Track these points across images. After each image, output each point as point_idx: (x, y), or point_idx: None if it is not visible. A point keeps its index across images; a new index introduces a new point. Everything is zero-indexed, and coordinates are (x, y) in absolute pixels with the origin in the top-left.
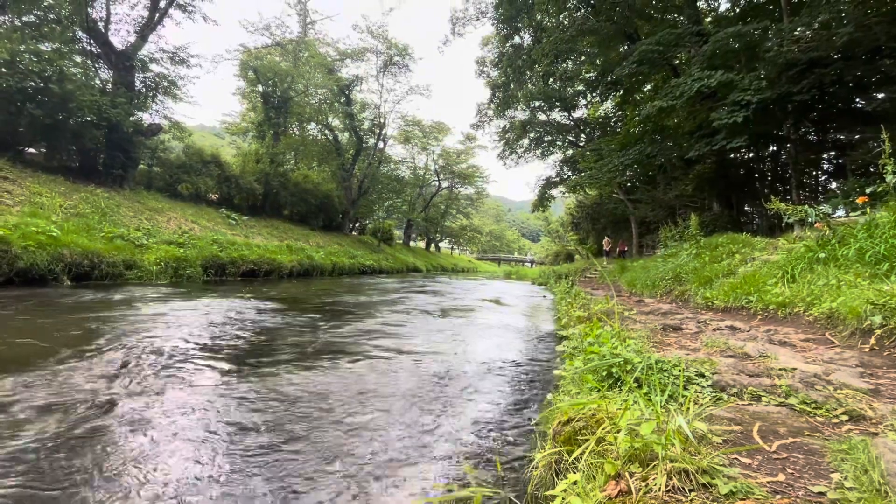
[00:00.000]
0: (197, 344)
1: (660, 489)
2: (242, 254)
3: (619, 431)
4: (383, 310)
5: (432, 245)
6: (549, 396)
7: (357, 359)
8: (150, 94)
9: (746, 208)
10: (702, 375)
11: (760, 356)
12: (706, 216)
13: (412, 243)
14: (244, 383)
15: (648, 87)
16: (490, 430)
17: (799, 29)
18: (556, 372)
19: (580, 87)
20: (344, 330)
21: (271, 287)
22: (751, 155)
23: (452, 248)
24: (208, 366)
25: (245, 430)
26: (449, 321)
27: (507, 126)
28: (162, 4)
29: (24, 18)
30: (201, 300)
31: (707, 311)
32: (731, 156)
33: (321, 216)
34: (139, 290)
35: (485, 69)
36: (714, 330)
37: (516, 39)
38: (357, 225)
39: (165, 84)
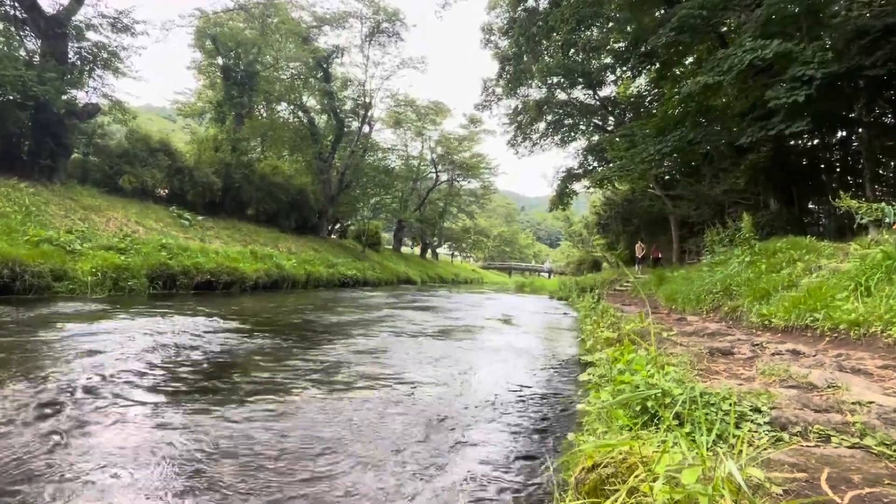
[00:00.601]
0: (125, 378)
1: None
2: (197, 262)
3: (655, 480)
4: (366, 331)
5: (429, 251)
6: (571, 436)
7: (325, 395)
8: (87, 68)
9: (810, 206)
10: (757, 411)
11: (829, 387)
12: (761, 216)
13: (404, 248)
14: (174, 431)
15: (690, 59)
16: (498, 491)
17: None
18: (579, 406)
19: (608, 60)
20: (314, 357)
21: (231, 302)
22: (815, 142)
23: (453, 255)
24: (139, 402)
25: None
26: (447, 345)
27: (520, 106)
28: None
29: None
30: (143, 319)
31: (763, 331)
32: (792, 142)
33: (293, 216)
34: (70, 305)
35: (492, 38)
36: (772, 354)
37: (530, 2)
38: (337, 226)
39: (105, 56)
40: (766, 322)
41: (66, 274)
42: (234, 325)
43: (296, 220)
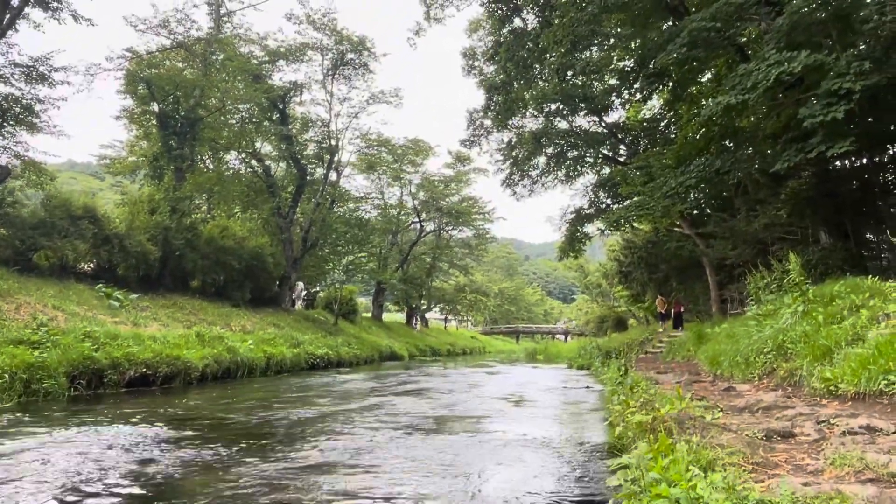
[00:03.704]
0: None
1: None
2: (129, 351)
3: None
4: (341, 427)
5: (415, 318)
6: None
7: None
8: None
9: (868, 236)
10: None
11: None
12: (812, 252)
13: (387, 315)
14: None
15: (708, 76)
16: None
17: None
18: None
19: (612, 81)
20: (268, 471)
21: (172, 401)
22: (864, 161)
23: (447, 320)
24: None
25: None
26: (446, 443)
27: (514, 139)
28: (14, 2)
29: None
30: (51, 437)
31: (829, 399)
32: (837, 164)
33: (248, 285)
34: None
35: (476, 64)
36: (843, 434)
37: (516, 22)
38: (303, 293)
39: (18, 110)
40: (831, 388)
41: None
42: (169, 433)
43: (251, 290)
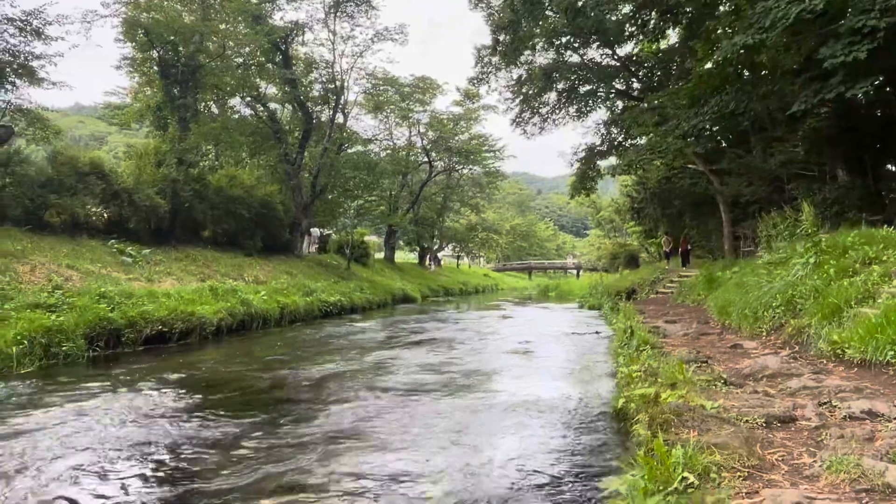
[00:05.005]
0: None
1: None
2: (145, 310)
3: None
4: (348, 392)
5: (428, 258)
6: None
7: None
8: None
9: (889, 167)
10: None
11: None
12: (828, 191)
13: (399, 254)
14: None
15: (724, 7)
16: None
17: None
18: None
19: (626, 9)
20: (277, 444)
21: (189, 358)
22: (888, 91)
23: (459, 259)
24: None
25: None
26: (452, 406)
27: (524, 76)
28: None
29: None
30: (70, 406)
31: (835, 363)
32: (859, 97)
33: (259, 234)
34: None
35: None
36: (843, 419)
37: None
38: (316, 236)
39: (16, 66)
40: (838, 352)
41: None
42: (183, 399)
43: (262, 238)
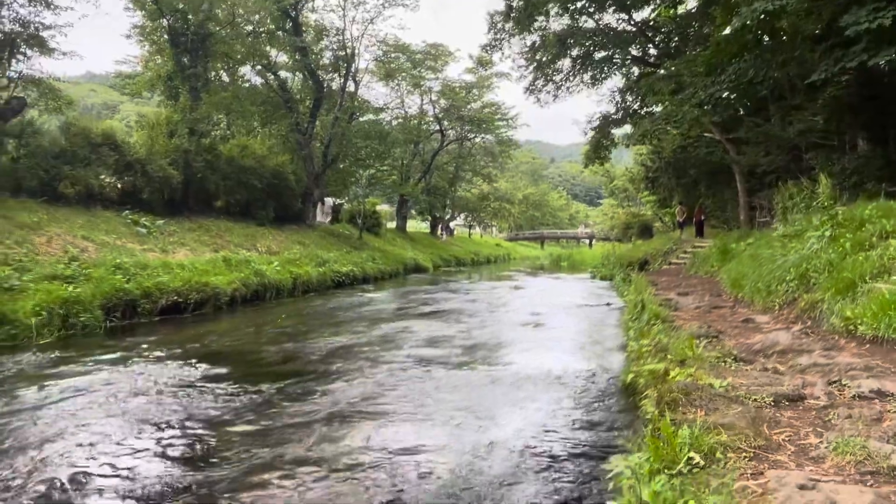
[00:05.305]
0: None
1: None
2: (160, 281)
3: None
4: (358, 364)
5: (440, 228)
6: None
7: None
8: (5, 53)
9: None
10: None
11: None
12: (847, 160)
13: (411, 223)
14: None
15: None
16: None
17: None
18: None
19: None
20: (290, 420)
21: (204, 328)
22: None
23: (471, 228)
24: None
25: None
26: (462, 380)
27: (537, 42)
28: None
29: None
30: (89, 376)
31: (847, 340)
32: (882, 64)
33: (271, 204)
34: (9, 362)
35: None
36: (852, 399)
37: None
38: (330, 206)
39: (26, 36)
40: (851, 328)
41: (6, 317)
42: (194, 370)
43: (275, 208)
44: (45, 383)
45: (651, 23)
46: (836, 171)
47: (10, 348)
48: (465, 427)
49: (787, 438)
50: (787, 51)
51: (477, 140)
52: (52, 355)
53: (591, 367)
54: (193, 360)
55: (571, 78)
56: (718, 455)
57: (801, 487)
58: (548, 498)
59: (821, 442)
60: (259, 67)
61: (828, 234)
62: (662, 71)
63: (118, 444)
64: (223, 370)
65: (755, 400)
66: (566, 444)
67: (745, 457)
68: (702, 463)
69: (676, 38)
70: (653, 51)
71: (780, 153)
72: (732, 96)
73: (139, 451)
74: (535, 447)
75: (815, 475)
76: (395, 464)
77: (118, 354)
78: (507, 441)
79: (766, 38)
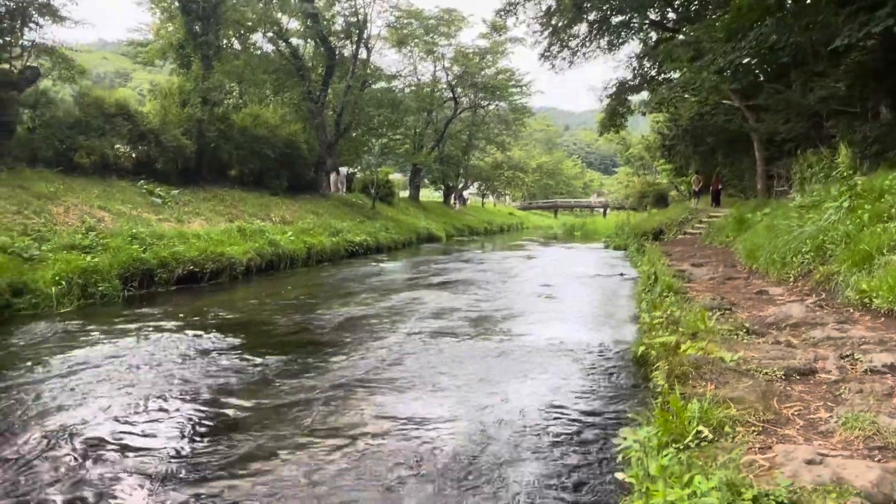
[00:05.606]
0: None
1: None
2: (176, 251)
3: None
4: (372, 333)
5: (453, 197)
6: None
7: (319, 453)
8: (17, 22)
9: None
10: None
11: None
12: (869, 128)
13: (424, 192)
14: None
15: None
16: None
17: None
18: None
19: None
20: (303, 388)
21: (220, 297)
22: None
23: (484, 197)
24: None
25: None
26: (473, 346)
27: (553, 7)
28: None
29: None
30: (108, 345)
31: (861, 313)
32: None
33: (284, 174)
34: (33, 329)
35: None
36: (864, 373)
37: None
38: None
39: (38, 5)
40: (866, 301)
41: (27, 286)
42: (210, 341)
43: (288, 178)
44: (68, 353)
45: None
46: (857, 140)
47: (32, 316)
48: (478, 394)
49: (796, 413)
50: (810, 15)
51: (490, 108)
52: (73, 324)
53: (603, 339)
54: (211, 329)
55: (588, 43)
56: (727, 429)
57: (809, 462)
58: (559, 469)
59: (830, 416)
60: (271, 34)
61: (846, 204)
62: (681, 37)
63: (130, 411)
64: (238, 340)
65: (766, 374)
66: (577, 415)
67: (754, 431)
68: (710, 437)
69: (696, 2)
70: (672, 14)
71: (801, 120)
72: (753, 62)
73: (155, 420)
74: (546, 417)
75: (823, 450)
76: (409, 435)
77: (137, 325)
78: (518, 413)
79: (789, 2)
